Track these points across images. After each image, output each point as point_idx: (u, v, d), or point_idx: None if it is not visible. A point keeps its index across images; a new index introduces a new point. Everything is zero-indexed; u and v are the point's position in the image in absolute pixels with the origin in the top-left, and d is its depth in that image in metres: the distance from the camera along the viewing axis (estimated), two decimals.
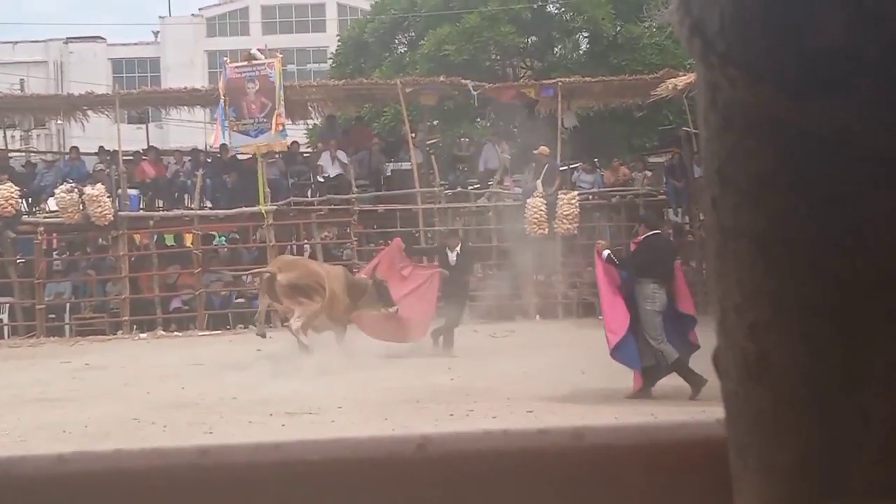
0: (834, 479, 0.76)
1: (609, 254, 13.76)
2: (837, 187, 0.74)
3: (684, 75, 25.41)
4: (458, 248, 19.88)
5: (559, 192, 25.82)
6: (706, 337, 13.43)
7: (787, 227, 0.76)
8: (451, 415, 12.62)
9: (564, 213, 25.67)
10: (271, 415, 13.05)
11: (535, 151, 26.05)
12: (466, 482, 0.89)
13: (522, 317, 24.33)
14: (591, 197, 27.02)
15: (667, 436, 0.90)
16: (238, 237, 28.02)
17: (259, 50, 26.85)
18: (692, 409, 12.21)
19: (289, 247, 27.12)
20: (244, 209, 26.16)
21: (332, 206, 26.55)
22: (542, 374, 15.73)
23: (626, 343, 13.37)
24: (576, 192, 26.27)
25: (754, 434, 0.78)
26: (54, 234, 26.89)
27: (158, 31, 61.88)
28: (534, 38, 33.41)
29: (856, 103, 0.73)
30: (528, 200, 25.85)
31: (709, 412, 0.86)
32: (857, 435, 0.75)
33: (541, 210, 25.65)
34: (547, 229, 25.54)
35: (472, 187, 27.52)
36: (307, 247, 27.09)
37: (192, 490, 0.90)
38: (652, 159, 29.63)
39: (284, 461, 0.90)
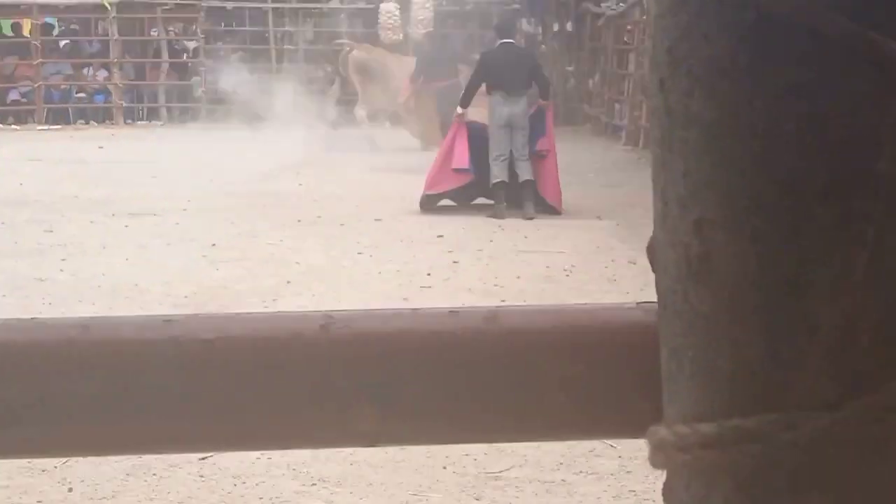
0: (774, 390, 0.72)
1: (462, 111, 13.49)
2: (797, 77, 0.69)
3: None
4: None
5: None
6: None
7: (741, 118, 0.70)
8: (299, 220, 12.57)
9: (419, 17, 25.33)
10: (113, 215, 12.82)
11: None
12: (373, 364, 0.84)
13: (372, 123, 24.09)
14: (444, 2, 26.67)
15: (585, 320, 0.86)
16: (79, 29, 27.01)
17: None
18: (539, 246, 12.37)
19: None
20: (86, 0, 25.22)
21: (179, 2, 25.75)
22: (391, 182, 15.72)
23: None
24: None
25: (691, 337, 0.74)
26: None
27: None
28: None
29: None
30: (381, 5, 25.43)
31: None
32: (801, 345, 0.71)
33: (394, 15, 25.29)
34: (401, 34, 25.23)
35: None
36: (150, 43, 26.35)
37: (72, 369, 0.82)
38: None
39: (175, 339, 0.83)
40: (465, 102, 13.39)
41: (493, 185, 13.06)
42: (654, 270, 0.78)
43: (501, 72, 13.24)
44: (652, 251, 0.78)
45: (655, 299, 0.85)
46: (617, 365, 0.84)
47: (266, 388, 0.83)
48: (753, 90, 0.69)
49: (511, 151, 13.13)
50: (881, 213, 0.70)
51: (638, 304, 0.86)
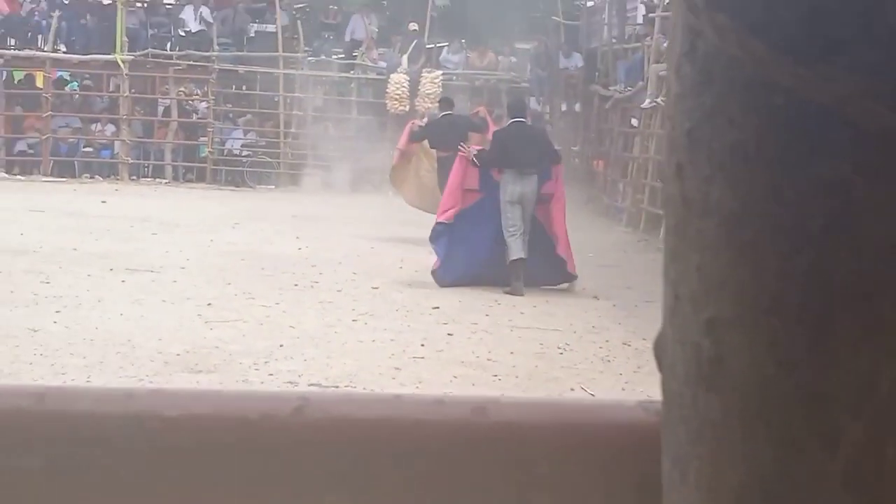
0: None
1: (475, 154, 13.50)
2: (829, 170, 0.63)
3: None
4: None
5: (423, 70, 25.61)
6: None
7: (765, 211, 0.64)
8: (296, 285, 12.51)
9: (427, 91, 25.46)
10: (111, 270, 12.75)
11: (411, 28, 25.79)
12: (348, 452, 0.77)
13: (376, 191, 24.06)
14: (454, 77, 26.81)
15: (581, 418, 0.79)
16: (91, 84, 27.12)
17: None
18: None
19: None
20: (99, 56, 25.37)
21: (191, 63, 25.88)
22: (391, 250, 15.68)
23: (444, 234, 13.31)
24: (440, 72, 26.06)
25: (698, 446, 0.67)
26: None
27: None
28: None
29: (861, 73, 0.61)
30: (391, 75, 25.57)
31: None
32: (819, 462, 0.65)
33: (403, 86, 25.43)
34: (408, 106, 25.33)
35: (336, 57, 27.09)
36: (160, 101, 26.47)
37: (21, 442, 0.76)
38: (518, 45, 29.46)
39: (136, 414, 0.77)
40: (479, 162, 13.44)
41: (511, 262, 12.96)
42: (660, 369, 0.71)
43: (514, 150, 13.24)
44: (659, 349, 0.72)
45: (654, 389, 0.79)
46: (612, 468, 0.77)
47: (231, 474, 0.76)
48: (780, 181, 0.63)
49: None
50: None
51: (639, 402, 0.79)
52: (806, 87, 0.61)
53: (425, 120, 18.13)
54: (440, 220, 13.37)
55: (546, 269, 13.17)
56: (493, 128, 16.63)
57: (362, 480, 0.77)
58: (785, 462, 0.65)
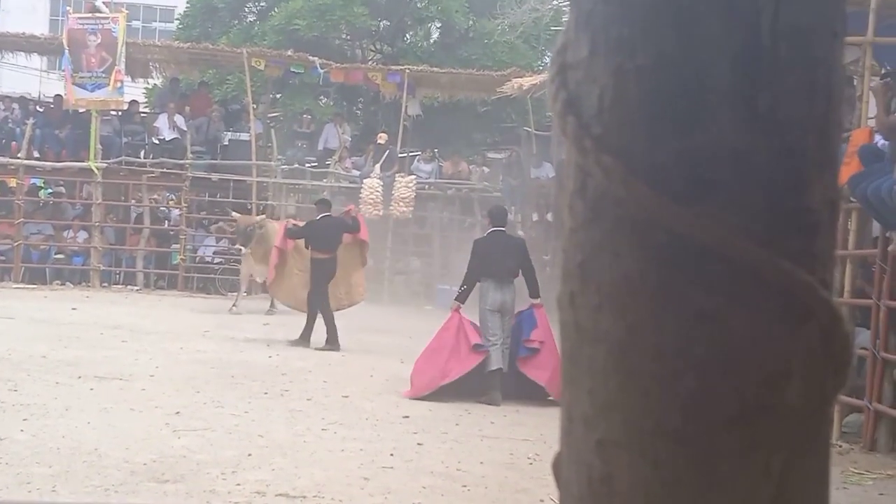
0: None
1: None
2: (707, 301, 0.67)
3: (531, 76, 25.62)
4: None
5: (396, 175, 25.89)
6: None
7: (649, 339, 0.68)
8: (266, 393, 12.48)
9: (401, 195, 25.70)
10: (80, 377, 12.71)
11: (379, 141, 26.12)
12: None
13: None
14: (427, 186, 27.07)
15: None
16: (64, 191, 27.25)
17: (104, 3, 26.19)
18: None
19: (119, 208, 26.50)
20: (73, 163, 25.53)
21: (165, 170, 26.06)
22: (360, 359, 15.69)
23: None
24: (413, 176, 26.35)
25: None
26: None
27: None
28: (386, 22, 33.23)
29: (733, 211, 0.66)
30: (364, 180, 25.83)
31: None
32: None
33: (377, 191, 25.67)
34: (382, 211, 25.55)
35: (309, 165, 27.33)
36: (133, 209, 26.59)
37: None
38: (490, 155, 29.83)
39: None
40: (462, 298, 13.44)
41: (489, 371, 12.97)
42: (558, 487, 0.75)
43: (492, 259, 13.31)
44: (557, 467, 0.76)
45: None
46: None
47: None
48: (662, 311, 0.68)
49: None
50: (788, 444, 0.68)
51: None
52: (684, 226, 0.66)
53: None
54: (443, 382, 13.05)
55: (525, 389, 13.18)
56: (364, 228, 17.30)
57: None
58: None
